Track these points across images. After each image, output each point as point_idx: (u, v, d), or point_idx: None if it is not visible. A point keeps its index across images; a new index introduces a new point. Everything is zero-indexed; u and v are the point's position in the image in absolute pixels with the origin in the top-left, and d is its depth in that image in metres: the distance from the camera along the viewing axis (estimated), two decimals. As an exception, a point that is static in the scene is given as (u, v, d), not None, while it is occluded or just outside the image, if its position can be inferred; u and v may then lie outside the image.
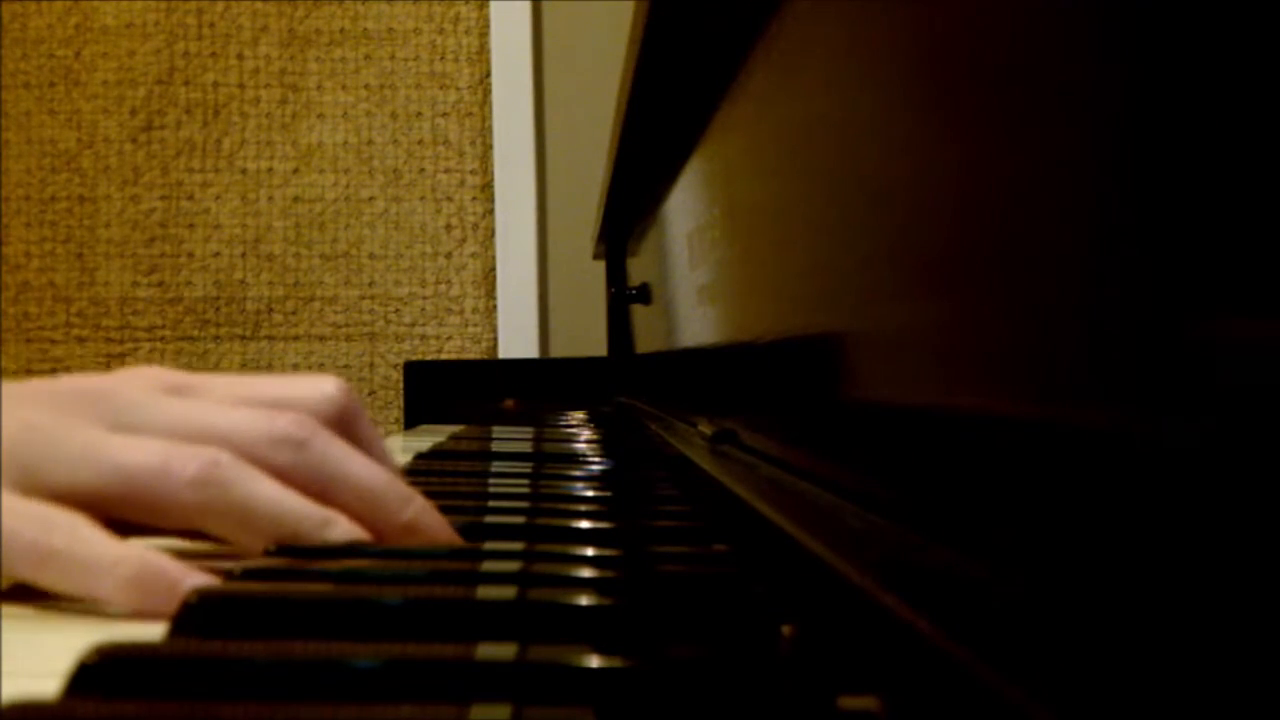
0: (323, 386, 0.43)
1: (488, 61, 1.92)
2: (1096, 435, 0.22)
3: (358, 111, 1.92)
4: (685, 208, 0.79)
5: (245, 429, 0.40)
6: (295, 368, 1.90)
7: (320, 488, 0.40)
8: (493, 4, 1.91)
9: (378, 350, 1.92)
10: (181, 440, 0.39)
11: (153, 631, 0.28)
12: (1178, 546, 0.19)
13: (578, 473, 0.66)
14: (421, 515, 0.41)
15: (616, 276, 1.44)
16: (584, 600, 0.30)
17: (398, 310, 1.92)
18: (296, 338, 1.92)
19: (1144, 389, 0.20)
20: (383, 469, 0.42)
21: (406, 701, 0.23)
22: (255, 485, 0.38)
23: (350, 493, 0.40)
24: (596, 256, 1.56)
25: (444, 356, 1.91)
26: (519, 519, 0.47)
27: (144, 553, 0.35)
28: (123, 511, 0.38)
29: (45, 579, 0.35)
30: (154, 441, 0.38)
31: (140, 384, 0.41)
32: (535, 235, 1.91)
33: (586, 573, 0.34)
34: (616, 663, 0.25)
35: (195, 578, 0.34)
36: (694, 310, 0.76)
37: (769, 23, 0.48)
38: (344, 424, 0.42)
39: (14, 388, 0.40)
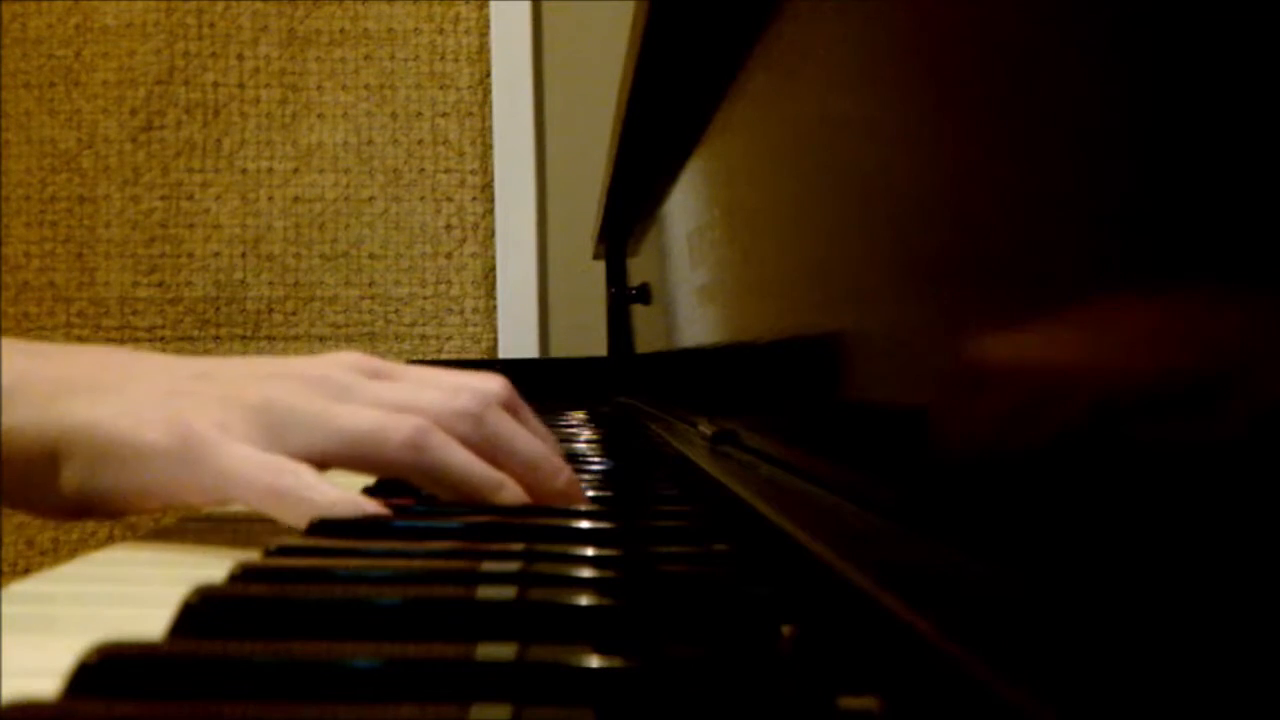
0: (491, 381, 0.51)
1: (488, 61, 1.92)
2: (1096, 435, 0.22)
3: (358, 111, 1.92)
4: (685, 208, 0.79)
5: (438, 404, 0.49)
6: (295, 368, 1.90)
7: (491, 455, 0.49)
8: (493, 4, 1.91)
9: (378, 350, 1.92)
10: (390, 411, 0.48)
11: (153, 631, 0.28)
12: (1177, 546, 0.19)
13: (578, 473, 0.66)
14: (570, 485, 0.51)
15: (616, 276, 1.44)
16: (584, 600, 0.30)
17: (398, 310, 1.92)
18: (296, 338, 1.91)
19: (1143, 390, 0.20)
20: (542, 444, 0.51)
21: (406, 701, 0.23)
22: (450, 450, 0.47)
23: (516, 461, 0.49)
24: (596, 256, 1.56)
25: (444, 356, 1.90)
26: (519, 519, 0.46)
27: (353, 496, 0.45)
28: (346, 466, 0.47)
29: (277, 511, 0.44)
30: (372, 411, 0.47)
31: (348, 365, 0.50)
32: (535, 235, 1.91)
33: (586, 573, 0.34)
34: (616, 663, 0.25)
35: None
36: (694, 310, 0.76)
37: (769, 23, 0.48)
38: (511, 409, 0.51)
39: (252, 365, 0.49)
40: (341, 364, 0.50)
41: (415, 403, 0.48)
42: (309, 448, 0.46)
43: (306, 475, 0.45)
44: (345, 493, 0.45)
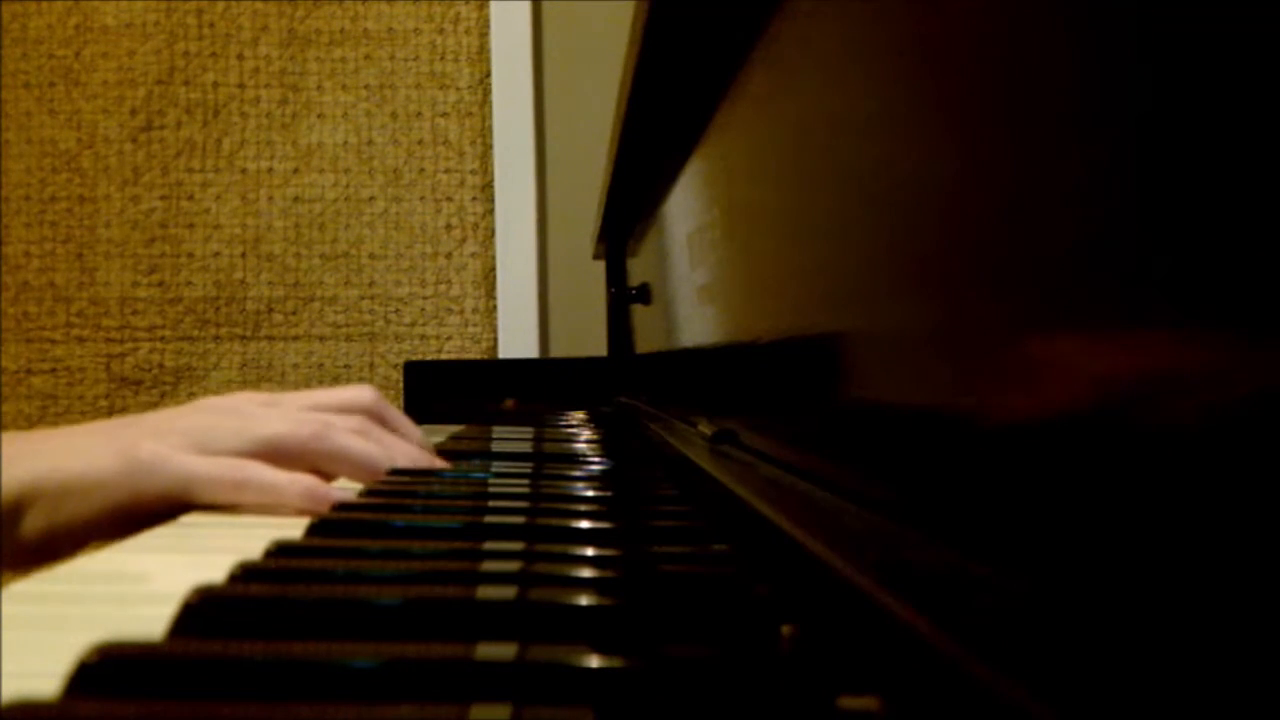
0: (362, 392, 0.66)
1: (488, 61, 1.92)
2: (1095, 435, 0.22)
3: (358, 111, 1.92)
4: (685, 208, 0.79)
5: (330, 415, 0.62)
6: (295, 368, 1.90)
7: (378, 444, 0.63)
8: (493, 4, 1.91)
9: (378, 350, 1.92)
10: (296, 419, 0.60)
11: (153, 631, 0.28)
12: (1177, 547, 0.19)
13: (578, 473, 0.66)
14: (433, 460, 0.65)
15: (616, 276, 1.44)
16: (584, 600, 0.30)
17: (398, 310, 1.92)
18: (296, 338, 1.92)
19: (1143, 390, 0.20)
20: (411, 438, 0.67)
21: (406, 701, 0.23)
22: (348, 438, 0.60)
23: (396, 449, 0.64)
24: (596, 256, 1.56)
25: (444, 356, 1.90)
26: (519, 519, 0.46)
27: (306, 477, 0.54)
28: (266, 461, 0.56)
29: (244, 499, 0.53)
30: (282, 419, 0.59)
31: (245, 399, 0.62)
32: (535, 235, 1.91)
33: (586, 573, 0.34)
34: (616, 663, 0.25)
35: (338, 494, 0.53)
36: (694, 310, 0.76)
37: (769, 23, 0.48)
38: (378, 411, 0.66)
39: (165, 412, 0.60)
40: (239, 399, 0.62)
41: (314, 409, 0.62)
42: (234, 453, 0.56)
43: (256, 465, 0.54)
44: (295, 474, 0.54)
